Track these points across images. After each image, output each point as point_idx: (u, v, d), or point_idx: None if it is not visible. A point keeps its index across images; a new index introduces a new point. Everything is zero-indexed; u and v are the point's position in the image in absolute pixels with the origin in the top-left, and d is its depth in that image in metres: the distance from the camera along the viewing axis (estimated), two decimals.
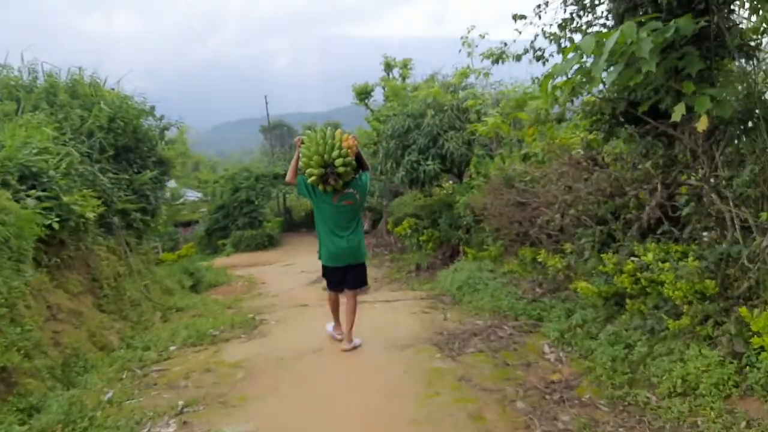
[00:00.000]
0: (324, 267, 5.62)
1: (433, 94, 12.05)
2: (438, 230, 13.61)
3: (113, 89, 9.94)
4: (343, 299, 5.66)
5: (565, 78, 4.17)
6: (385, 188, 26.64)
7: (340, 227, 5.24)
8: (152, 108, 10.17)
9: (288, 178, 5.39)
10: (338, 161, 4.91)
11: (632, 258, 4.50)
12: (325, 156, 4.92)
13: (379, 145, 15.21)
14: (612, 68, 3.80)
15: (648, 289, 4.30)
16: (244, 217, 26.82)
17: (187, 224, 33.64)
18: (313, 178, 5.00)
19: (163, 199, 11.26)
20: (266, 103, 35.11)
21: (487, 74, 11.78)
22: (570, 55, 3.85)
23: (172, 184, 31.40)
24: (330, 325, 6.01)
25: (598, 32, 3.92)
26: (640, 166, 4.70)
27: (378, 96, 24.86)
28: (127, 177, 9.09)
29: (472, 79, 13.61)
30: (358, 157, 5.28)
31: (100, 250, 7.84)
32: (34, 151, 6.27)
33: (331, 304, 5.85)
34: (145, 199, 9.61)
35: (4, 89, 8.27)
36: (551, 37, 5.09)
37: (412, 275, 12.42)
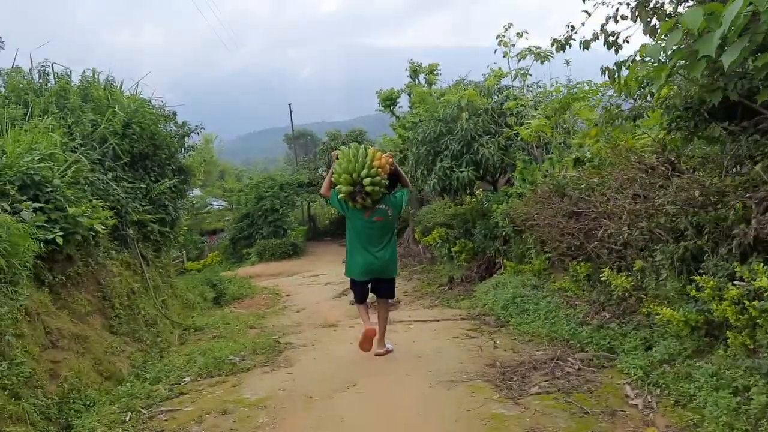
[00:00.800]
0: (351, 280, 5.76)
1: (468, 96, 11.32)
2: (471, 241, 12.84)
3: (132, 94, 9.42)
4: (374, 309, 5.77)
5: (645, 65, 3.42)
6: (411, 196, 25.96)
7: (371, 243, 5.34)
8: (173, 114, 9.61)
9: (323, 190, 5.57)
10: (366, 180, 5.04)
11: (735, 282, 3.70)
12: (354, 175, 5.06)
13: (407, 151, 14.51)
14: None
15: (759, 321, 3.50)
16: (269, 225, 26.31)
17: (213, 232, 33.36)
18: (341, 195, 5.24)
19: (184, 209, 10.67)
20: (290, 111, 34.68)
21: (525, 74, 11.01)
22: (668, 34, 3.09)
23: (196, 192, 31.27)
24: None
25: (705, 4, 3.12)
26: (744, 171, 3.91)
27: (403, 103, 24.27)
28: (143, 186, 8.51)
29: (506, 81, 12.84)
30: (396, 175, 5.46)
31: (113, 265, 7.24)
32: (38, 157, 5.68)
33: (361, 313, 5.80)
34: (164, 209, 9.02)
35: (13, 92, 7.73)
36: (637, 14, 4.29)
37: (445, 289, 11.64)
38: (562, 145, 8.86)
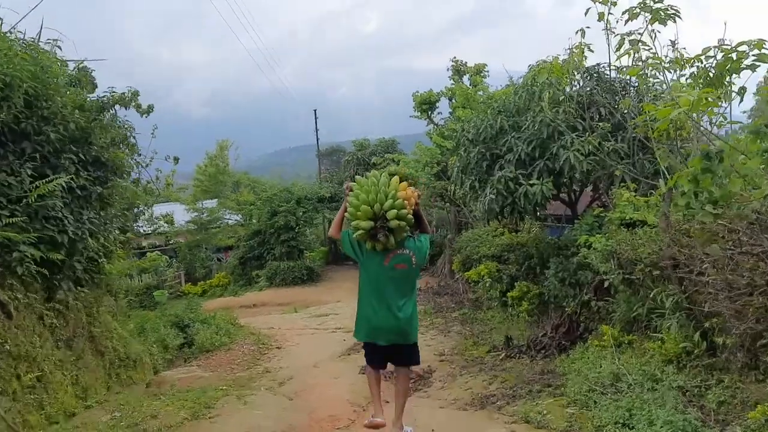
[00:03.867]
0: (365, 345, 4.70)
1: (549, 70, 7.57)
2: (537, 285, 9.05)
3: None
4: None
5: None
6: (448, 217, 22.29)
7: (389, 297, 4.40)
8: (83, 69, 6.10)
9: (332, 231, 4.79)
10: (390, 213, 4.22)
11: None
12: (376, 207, 4.26)
13: (454, 156, 10.89)
14: None
15: None
16: (282, 245, 22.80)
17: (229, 248, 30.01)
18: (359, 232, 4.32)
19: (113, 228, 7.17)
20: (315, 118, 31.41)
21: (636, 45, 7.27)
22: None
23: (163, 209, 27.78)
24: (367, 419, 4.74)
25: None
26: None
27: (443, 109, 20.74)
28: (12, 182, 5.02)
29: (597, 58, 9.06)
30: (417, 216, 4.54)
31: None
32: None
33: (370, 383, 4.82)
34: (54, 223, 5.51)
35: None
36: None
37: (501, 356, 7.86)
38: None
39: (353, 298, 14.68)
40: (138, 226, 20.64)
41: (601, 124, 7.64)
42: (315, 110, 31.50)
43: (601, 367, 5.41)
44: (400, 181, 4.43)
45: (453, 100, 18.98)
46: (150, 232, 24.26)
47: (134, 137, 7.48)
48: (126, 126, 7.87)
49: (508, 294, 9.50)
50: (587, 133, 7.72)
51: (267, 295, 21.10)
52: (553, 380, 5.93)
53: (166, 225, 28.17)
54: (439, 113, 21.35)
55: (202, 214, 27.95)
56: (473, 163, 8.66)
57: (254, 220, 24.84)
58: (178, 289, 22.22)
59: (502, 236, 12.46)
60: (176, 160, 10.14)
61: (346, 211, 4.52)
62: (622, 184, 7.50)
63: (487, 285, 10.65)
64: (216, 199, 29.99)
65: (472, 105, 16.18)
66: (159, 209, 30.68)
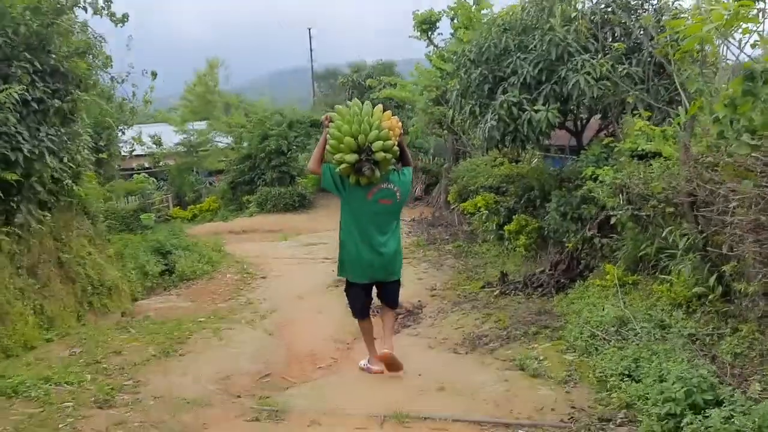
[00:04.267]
0: (347, 283, 4.63)
1: None
2: (537, 219, 8.59)
3: None
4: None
5: None
6: (445, 145, 21.59)
7: (374, 232, 4.27)
8: None
9: (311, 165, 4.57)
10: (376, 144, 4.03)
11: None
12: (360, 138, 4.03)
13: (454, 79, 10.22)
14: None
15: None
16: (273, 170, 22.18)
17: (219, 172, 29.34)
18: (343, 166, 4.12)
19: (76, 147, 6.56)
20: (310, 38, 30.08)
21: None
22: None
23: (157, 129, 26.85)
24: (363, 362, 4.88)
25: None
26: None
27: (444, 30, 19.60)
28: None
29: None
30: (400, 148, 4.32)
31: None
32: None
33: (364, 335, 4.83)
34: (7, 140, 4.93)
35: None
36: None
37: (496, 292, 7.47)
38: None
39: None
40: (121, 145, 20.01)
41: (616, 44, 6.95)
42: (309, 29, 30.17)
43: (603, 310, 4.98)
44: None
45: (455, 20, 17.92)
46: (127, 154, 23.57)
47: (99, 46, 6.73)
48: (92, 34, 7.15)
49: (505, 227, 9.04)
50: (599, 55, 7.06)
51: (257, 221, 20.64)
52: (551, 321, 5.54)
53: (154, 146, 27.44)
54: (440, 34, 20.29)
55: (192, 136, 27.13)
56: (474, 85, 7.99)
57: (245, 144, 24.09)
58: (165, 213, 21.75)
59: (501, 166, 11.91)
60: (154, 75, 9.39)
61: (326, 143, 4.29)
62: (635, 112, 6.92)
63: (483, 217, 10.18)
64: (205, 121, 29.06)
65: (475, 25, 15.20)
66: (147, 130, 29.87)
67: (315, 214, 21.11)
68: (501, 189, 10.69)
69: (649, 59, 7.01)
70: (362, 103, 4.31)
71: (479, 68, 7.88)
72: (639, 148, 6.11)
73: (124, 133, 11.78)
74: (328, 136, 4.27)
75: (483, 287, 8.04)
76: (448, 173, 17.36)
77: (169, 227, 13.28)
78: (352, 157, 4.07)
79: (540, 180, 8.82)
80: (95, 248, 9.45)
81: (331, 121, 4.28)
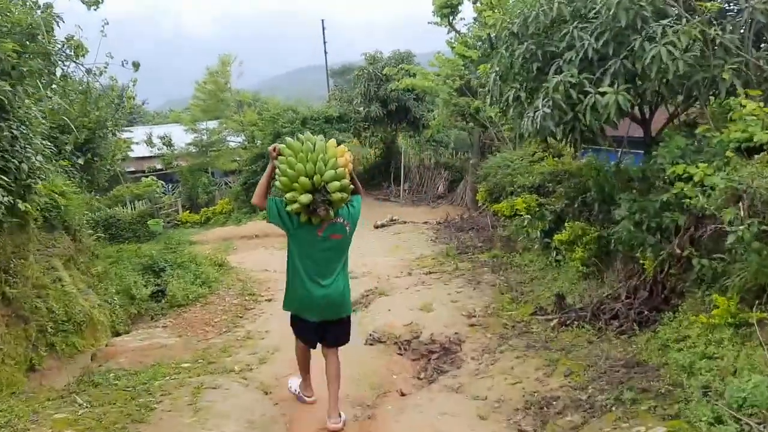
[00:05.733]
0: (292, 318, 4.46)
1: None
2: (595, 226, 7.06)
3: None
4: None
5: None
6: (468, 139, 19.98)
7: (321, 269, 4.09)
8: None
9: (255, 200, 4.24)
10: (333, 185, 3.80)
11: None
12: (315, 178, 3.79)
13: (483, 66, 8.74)
14: None
15: None
16: None
17: (232, 173, 28.08)
18: (295, 206, 3.86)
19: (19, 153, 5.16)
20: (324, 36, 28.67)
21: None
22: None
23: (167, 129, 25.52)
24: (294, 381, 4.74)
25: None
26: None
27: (467, 15, 18.10)
28: None
29: None
30: (350, 178, 4.07)
31: None
32: None
33: (298, 354, 4.57)
34: None
35: None
36: None
37: (552, 322, 5.96)
38: None
39: (367, 228, 12.76)
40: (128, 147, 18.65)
41: (708, 3, 5.39)
42: (323, 21, 28.73)
43: (748, 380, 3.41)
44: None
45: (478, 2, 16.36)
46: (123, 156, 22.20)
47: (51, 25, 5.33)
48: (54, 15, 5.79)
49: (555, 237, 7.51)
50: (684, 20, 5.49)
51: (271, 225, 19.28)
52: (650, 380, 4.00)
53: (165, 147, 26.32)
54: (462, 19, 18.78)
55: (203, 135, 25.91)
56: (518, 65, 6.46)
57: (257, 143, 22.76)
58: (175, 218, 20.48)
59: (540, 162, 10.36)
60: (136, 66, 8.02)
61: (273, 177, 4.08)
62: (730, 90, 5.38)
63: (525, 223, 8.66)
64: (217, 120, 27.82)
65: (503, 3, 13.66)
66: (157, 131, 28.69)
67: None
68: (544, 189, 9.17)
69: (750, 20, 5.46)
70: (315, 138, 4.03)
71: (525, 43, 6.34)
72: (755, 139, 4.56)
73: (114, 134, 10.37)
74: (277, 171, 4.00)
75: (534, 313, 6.54)
76: (475, 169, 15.79)
77: (171, 236, 11.90)
78: (306, 198, 3.81)
79: (598, 179, 7.27)
80: (74, 270, 8.15)
81: (280, 153, 3.99)
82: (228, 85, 27.69)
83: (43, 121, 5.79)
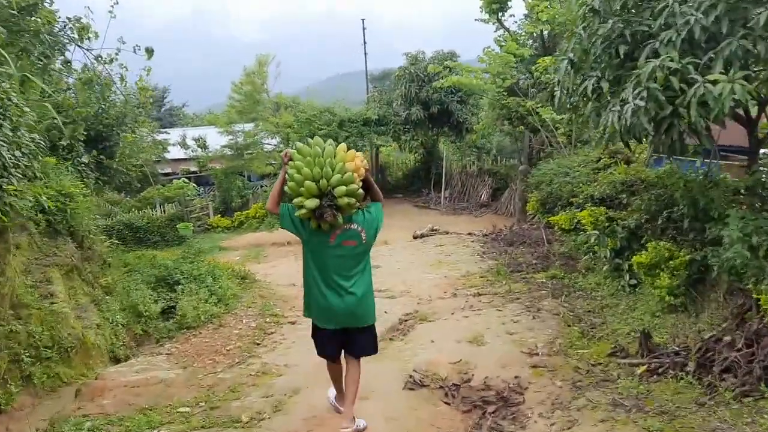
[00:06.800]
0: (313, 326, 4.29)
1: None
2: (686, 248, 5.80)
3: None
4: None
5: None
6: (516, 144, 18.62)
7: (338, 276, 3.99)
8: None
9: (269, 205, 4.17)
10: (339, 190, 3.71)
11: None
12: (321, 183, 3.70)
13: (564, 45, 7.56)
14: None
15: None
16: None
17: (266, 176, 27.33)
18: (303, 211, 3.76)
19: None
20: (363, 29, 27.72)
21: None
22: None
23: (202, 131, 24.86)
24: (332, 391, 4.54)
25: None
26: None
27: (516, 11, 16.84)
28: None
29: None
30: (367, 184, 4.00)
31: None
32: None
33: (332, 374, 4.38)
34: None
35: None
36: None
37: (639, 369, 4.76)
38: None
39: (405, 239, 11.63)
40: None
41: None
42: (363, 20, 27.81)
43: None
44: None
45: None
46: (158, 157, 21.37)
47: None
48: None
49: (634, 259, 6.27)
50: None
51: None
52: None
53: (199, 149, 25.75)
54: (511, 15, 17.57)
55: (238, 137, 25.22)
56: (600, 48, 5.28)
57: (292, 145, 21.89)
58: (205, 222, 19.72)
59: (606, 170, 9.10)
60: (149, 52, 7.10)
61: (285, 183, 3.92)
62: None
63: (592, 240, 7.42)
64: (253, 123, 27.13)
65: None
66: (191, 132, 28.15)
67: None
68: (615, 201, 7.93)
69: None
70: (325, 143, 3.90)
71: (609, 21, 5.16)
72: None
73: (134, 131, 9.51)
74: (287, 175, 3.90)
75: (613, 354, 5.31)
76: (525, 176, 14.52)
77: (197, 242, 11.01)
78: (312, 203, 3.72)
79: (689, 191, 6.01)
80: (77, 281, 7.25)
81: (290, 158, 3.91)
82: (264, 86, 26.99)
83: (26, 109, 4.84)
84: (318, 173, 3.71)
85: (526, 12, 16.80)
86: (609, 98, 5.22)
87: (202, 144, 25.58)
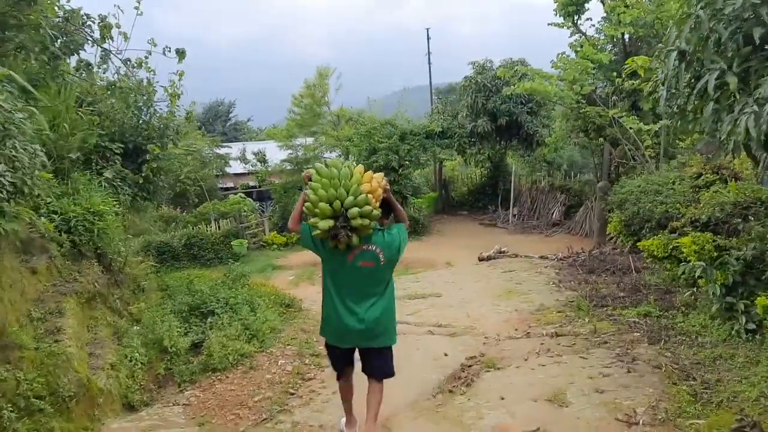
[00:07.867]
0: (327, 345, 4.37)
1: None
2: None
3: None
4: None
5: None
6: (592, 158, 17.17)
7: (355, 296, 4.01)
8: None
9: (290, 224, 4.25)
10: (352, 212, 3.76)
11: None
12: (335, 204, 3.78)
13: (671, 32, 6.35)
14: None
15: None
16: None
17: None
18: (317, 231, 3.82)
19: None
20: (428, 38, 26.76)
21: None
22: None
23: (261, 146, 24.26)
24: (342, 421, 4.56)
25: None
26: None
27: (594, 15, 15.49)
28: None
29: None
30: (389, 204, 4.13)
31: None
32: None
33: (341, 393, 4.43)
34: None
35: None
36: None
37: None
38: None
39: (470, 261, 10.49)
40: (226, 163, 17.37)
41: None
42: (427, 30, 26.89)
43: None
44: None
45: None
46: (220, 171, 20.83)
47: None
48: None
49: (758, 300, 4.95)
50: None
51: None
52: None
53: (259, 164, 25.43)
54: (588, 19, 16.22)
55: (298, 151, 24.73)
56: (725, 35, 4.07)
57: (351, 159, 21.11)
58: (261, 239, 19.12)
59: (710, 188, 7.72)
60: (181, 54, 6.35)
61: (305, 202, 3.98)
62: None
63: (698, 273, 6.10)
64: (314, 137, 26.65)
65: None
66: (251, 146, 27.93)
67: (430, 242, 17.60)
68: (725, 225, 6.58)
69: None
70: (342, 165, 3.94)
71: (732, 23, 3.95)
72: None
73: (176, 144, 8.85)
74: (306, 195, 3.93)
75: (741, 430, 4.04)
76: (604, 194, 13.10)
77: (251, 260, 10.27)
78: (326, 224, 3.74)
79: None
80: (101, 310, 6.55)
81: (310, 178, 3.95)
82: (325, 99, 26.46)
83: (20, 115, 4.09)
84: (333, 195, 3.76)
85: (604, 14, 15.44)
86: (737, 96, 3.99)
87: (261, 158, 25.25)
